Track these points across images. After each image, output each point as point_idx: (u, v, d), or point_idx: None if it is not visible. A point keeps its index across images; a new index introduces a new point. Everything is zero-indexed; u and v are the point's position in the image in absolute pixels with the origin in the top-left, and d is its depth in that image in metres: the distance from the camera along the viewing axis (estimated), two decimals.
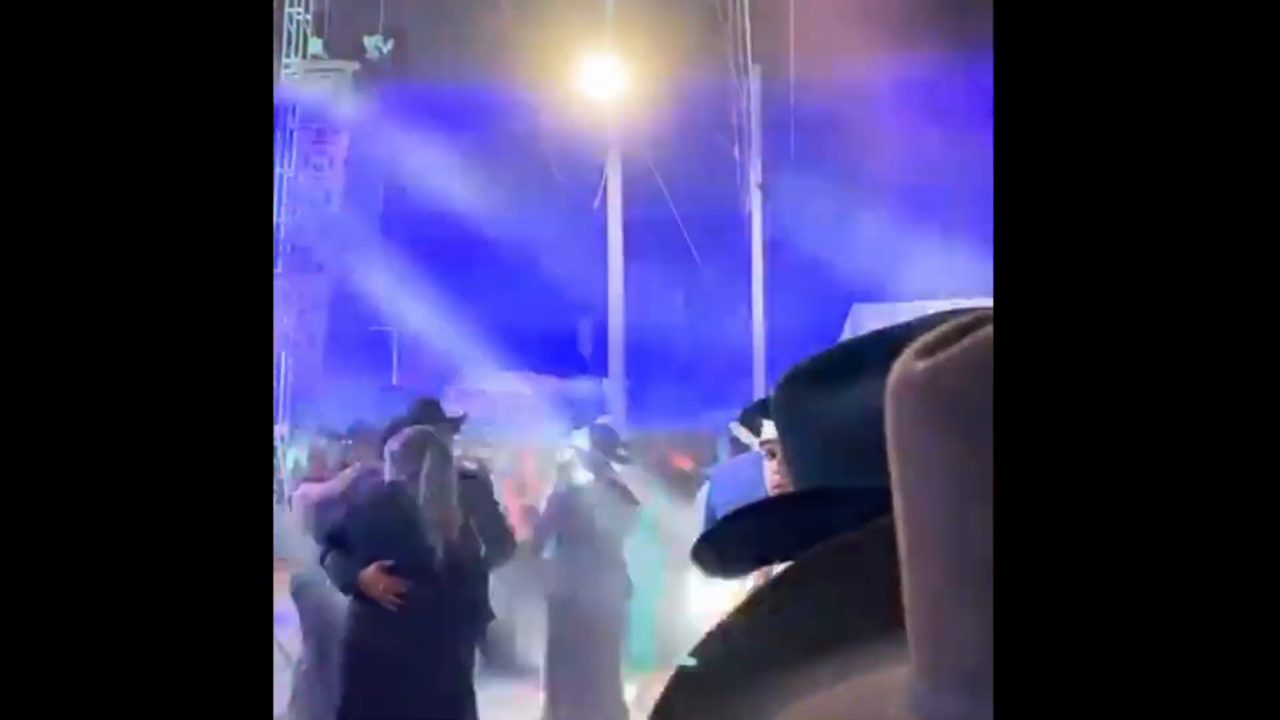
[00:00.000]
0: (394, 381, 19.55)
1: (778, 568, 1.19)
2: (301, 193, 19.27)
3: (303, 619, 7.30)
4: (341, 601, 5.60)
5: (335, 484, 6.95)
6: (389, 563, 5.09)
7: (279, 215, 19.15)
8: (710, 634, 0.67)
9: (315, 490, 7.17)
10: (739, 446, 7.03)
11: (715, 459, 7.20)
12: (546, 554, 7.25)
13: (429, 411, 5.67)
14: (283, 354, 18.90)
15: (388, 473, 5.27)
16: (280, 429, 17.57)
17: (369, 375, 18.83)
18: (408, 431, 5.23)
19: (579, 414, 14.45)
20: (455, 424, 5.72)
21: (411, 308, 19.17)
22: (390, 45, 19.86)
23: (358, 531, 5.22)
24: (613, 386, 16.81)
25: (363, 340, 19.48)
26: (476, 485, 5.69)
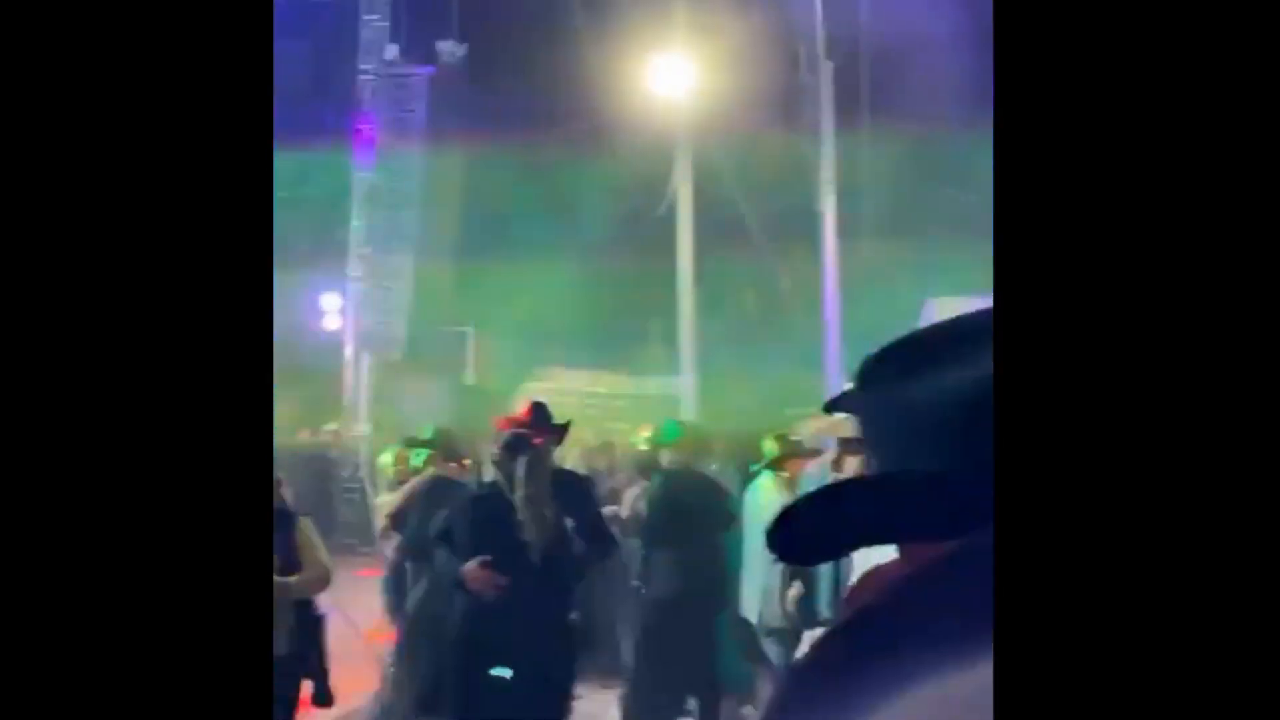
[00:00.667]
0: (470, 380, 19.76)
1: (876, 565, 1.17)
2: (379, 196, 19.48)
3: (393, 619, 7.48)
4: (431, 600, 5.83)
5: (406, 491, 7.26)
6: (489, 558, 5.26)
7: (356, 218, 19.41)
8: (826, 634, 0.67)
9: (389, 501, 7.55)
10: (785, 445, 7.02)
11: (762, 457, 7.20)
12: (641, 552, 7.28)
13: (536, 415, 5.73)
14: (362, 355, 19.18)
15: (489, 474, 5.44)
16: (363, 428, 17.93)
17: (445, 374, 19.05)
18: (505, 434, 5.38)
19: (652, 412, 14.46)
20: (560, 430, 5.68)
21: (486, 308, 19.37)
22: (464, 50, 20.05)
23: (460, 530, 5.41)
24: (685, 384, 16.82)
25: (439, 340, 19.66)
26: (577, 485, 5.77)
